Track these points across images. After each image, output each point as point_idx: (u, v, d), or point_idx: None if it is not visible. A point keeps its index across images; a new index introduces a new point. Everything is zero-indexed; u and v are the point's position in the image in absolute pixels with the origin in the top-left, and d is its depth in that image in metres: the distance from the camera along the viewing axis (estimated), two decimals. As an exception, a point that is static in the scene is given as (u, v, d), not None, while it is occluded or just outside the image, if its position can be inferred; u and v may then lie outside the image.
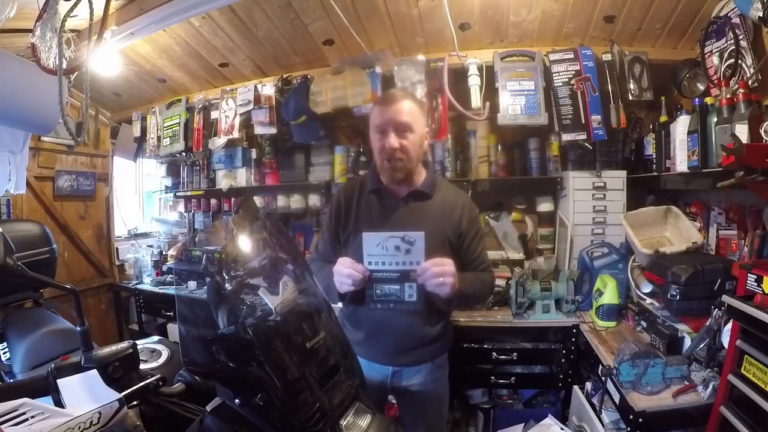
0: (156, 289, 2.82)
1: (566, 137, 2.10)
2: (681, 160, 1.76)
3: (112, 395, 0.77)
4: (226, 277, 0.90)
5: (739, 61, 1.57)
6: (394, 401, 1.64)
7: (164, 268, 2.99)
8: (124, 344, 0.88)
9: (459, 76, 2.26)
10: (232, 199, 2.91)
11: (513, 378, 2.01)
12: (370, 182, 1.41)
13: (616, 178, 2.13)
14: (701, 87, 1.91)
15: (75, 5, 1.36)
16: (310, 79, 2.41)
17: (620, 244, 2.07)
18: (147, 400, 0.84)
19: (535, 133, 2.30)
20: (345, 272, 1.19)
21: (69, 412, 0.71)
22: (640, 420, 1.26)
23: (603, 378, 1.51)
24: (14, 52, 2.00)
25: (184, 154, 2.94)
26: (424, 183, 1.38)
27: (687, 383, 1.33)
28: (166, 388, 0.87)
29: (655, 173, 2.03)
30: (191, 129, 2.79)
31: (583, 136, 2.08)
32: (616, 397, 1.43)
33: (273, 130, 2.53)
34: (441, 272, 1.15)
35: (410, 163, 1.31)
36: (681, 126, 1.77)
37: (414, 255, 1.14)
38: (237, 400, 0.81)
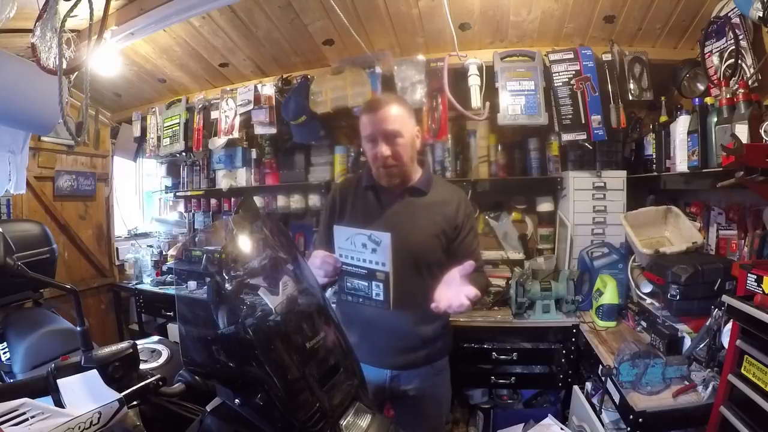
0: (156, 289, 2.82)
1: (566, 137, 2.10)
2: (681, 160, 1.76)
3: (112, 395, 0.77)
4: (226, 277, 0.90)
5: (739, 61, 1.58)
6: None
7: (164, 268, 2.99)
8: (124, 344, 0.88)
9: (459, 76, 2.26)
10: (232, 199, 2.91)
11: (513, 378, 2.00)
12: (366, 178, 1.41)
13: (616, 178, 2.13)
14: (701, 87, 1.91)
15: (75, 5, 1.35)
16: (310, 79, 2.41)
17: (620, 244, 2.07)
18: (147, 400, 0.84)
19: (535, 133, 2.30)
20: (317, 263, 1.20)
21: (69, 412, 0.71)
22: (640, 420, 1.26)
23: (603, 378, 1.51)
24: (14, 52, 2.00)
25: (184, 154, 2.94)
26: (419, 180, 1.38)
27: (687, 383, 1.33)
28: (166, 388, 0.87)
29: (655, 173, 2.03)
30: (191, 129, 2.79)
31: (583, 136, 2.07)
32: (616, 397, 1.43)
33: (273, 130, 2.53)
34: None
35: (404, 167, 1.33)
36: (681, 126, 1.77)
37: (380, 255, 1.13)
38: (237, 400, 0.81)
